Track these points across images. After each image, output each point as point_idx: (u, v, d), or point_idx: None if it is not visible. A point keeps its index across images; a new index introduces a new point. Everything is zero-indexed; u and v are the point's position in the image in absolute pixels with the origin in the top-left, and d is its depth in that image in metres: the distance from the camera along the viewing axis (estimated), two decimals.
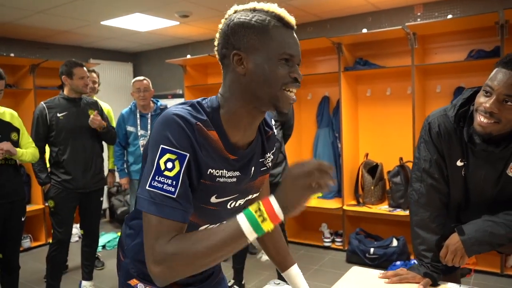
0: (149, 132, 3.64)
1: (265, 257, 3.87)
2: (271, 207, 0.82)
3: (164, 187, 0.88)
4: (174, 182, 0.89)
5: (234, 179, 1.02)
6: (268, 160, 1.14)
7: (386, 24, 4.27)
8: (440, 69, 3.87)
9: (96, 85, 3.85)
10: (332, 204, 4.22)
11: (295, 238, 4.39)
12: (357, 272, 1.63)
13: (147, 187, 0.89)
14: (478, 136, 1.41)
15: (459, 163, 1.51)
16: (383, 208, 3.93)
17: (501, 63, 1.35)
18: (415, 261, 1.58)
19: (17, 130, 2.69)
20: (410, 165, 3.67)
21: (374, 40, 4.12)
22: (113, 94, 5.72)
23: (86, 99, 3.12)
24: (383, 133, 4.24)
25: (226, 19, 0.99)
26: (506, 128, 1.36)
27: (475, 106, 1.39)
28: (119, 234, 4.26)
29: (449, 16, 3.81)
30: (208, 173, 0.96)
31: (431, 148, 1.54)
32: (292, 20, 0.97)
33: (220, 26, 0.99)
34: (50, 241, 3.02)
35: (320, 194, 4.50)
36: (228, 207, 1.07)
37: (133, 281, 1.14)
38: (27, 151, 2.70)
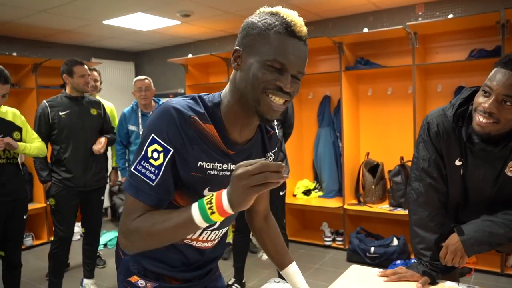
0: None
1: (265, 256, 3.87)
2: (220, 202, 0.87)
3: (146, 173, 0.96)
4: (156, 171, 0.96)
5: (227, 173, 1.04)
6: (270, 159, 1.16)
7: (387, 23, 4.27)
8: (441, 68, 3.87)
9: (98, 84, 3.86)
10: (333, 203, 4.23)
11: (295, 237, 4.40)
12: (356, 270, 1.64)
13: (132, 169, 0.98)
14: (476, 136, 1.41)
15: (457, 163, 1.52)
16: (384, 207, 3.93)
17: (500, 63, 1.35)
18: (415, 260, 1.59)
19: (19, 129, 2.70)
20: (410, 164, 3.67)
21: (375, 39, 4.13)
22: (115, 93, 5.73)
23: (88, 98, 3.14)
24: (384, 132, 4.24)
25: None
26: (505, 128, 1.37)
27: (474, 106, 1.40)
28: None
29: (450, 16, 3.81)
30: (198, 165, 1.00)
31: (430, 147, 1.54)
32: (301, 30, 0.94)
33: None
34: (52, 238, 3.04)
35: (321, 193, 4.52)
36: None
37: (134, 278, 1.16)
38: (32, 145, 2.72)
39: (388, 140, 4.22)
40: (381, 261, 3.61)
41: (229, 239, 3.73)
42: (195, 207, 0.90)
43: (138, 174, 0.96)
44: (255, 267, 3.68)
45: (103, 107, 3.22)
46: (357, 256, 3.77)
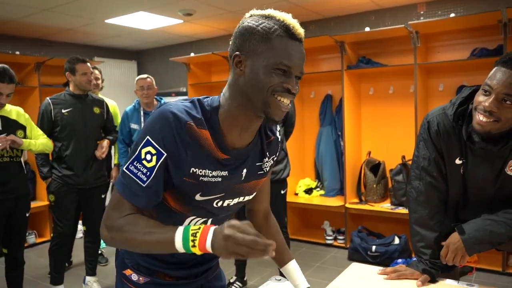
0: None
1: None
2: (204, 241, 0.89)
3: (138, 174, 0.97)
4: (148, 173, 0.97)
5: (219, 179, 1.04)
6: (267, 165, 1.15)
7: (389, 22, 4.27)
8: (442, 67, 3.87)
9: (100, 82, 3.87)
10: (334, 202, 4.23)
11: (297, 235, 4.41)
12: (356, 268, 1.65)
13: (124, 168, 1.00)
14: (477, 135, 1.42)
15: (457, 161, 1.52)
16: (385, 206, 3.94)
17: (501, 62, 1.35)
18: (416, 258, 1.59)
19: (23, 128, 2.72)
20: None
21: (377, 38, 4.13)
22: (117, 92, 5.74)
23: (92, 96, 3.15)
24: (386, 131, 4.24)
25: (241, 21, 1.02)
26: (505, 126, 1.37)
27: (474, 105, 1.40)
28: None
29: (452, 15, 3.80)
30: (190, 171, 1.00)
31: (430, 146, 1.55)
32: (300, 32, 0.97)
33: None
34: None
35: (322, 192, 4.53)
36: (215, 205, 1.09)
37: (128, 271, 1.17)
38: (37, 141, 2.74)
39: (389, 139, 4.22)
40: (382, 260, 3.62)
41: None
42: (179, 233, 0.91)
43: (130, 174, 0.98)
44: (257, 265, 3.69)
45: (106, 106, 3.24)
46: (358, 255, 3.77)
